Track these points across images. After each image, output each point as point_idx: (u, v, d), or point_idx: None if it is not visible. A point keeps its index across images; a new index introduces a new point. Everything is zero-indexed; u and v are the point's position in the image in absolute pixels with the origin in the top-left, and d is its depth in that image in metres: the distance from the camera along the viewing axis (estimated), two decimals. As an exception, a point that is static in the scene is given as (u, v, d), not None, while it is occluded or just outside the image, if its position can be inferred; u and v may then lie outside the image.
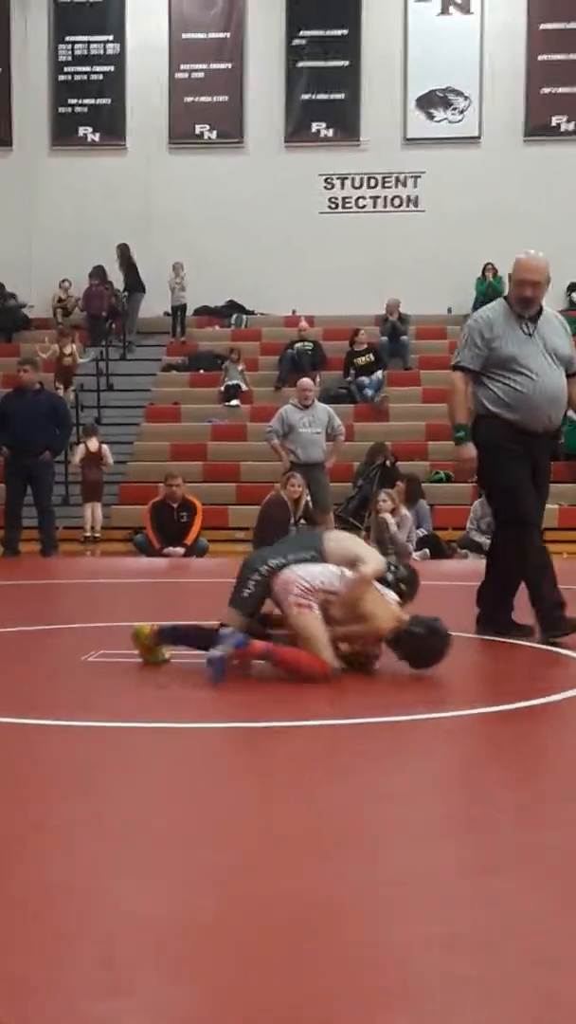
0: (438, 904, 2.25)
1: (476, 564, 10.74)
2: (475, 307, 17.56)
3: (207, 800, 3.00)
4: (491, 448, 5.47)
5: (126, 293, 17.71)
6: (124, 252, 17.57)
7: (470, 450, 5.51)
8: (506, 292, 5.76)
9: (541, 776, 3.30)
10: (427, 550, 11.15)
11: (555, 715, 4.03)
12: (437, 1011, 1.81)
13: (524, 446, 5.43)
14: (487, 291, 17.55)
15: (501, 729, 3.80)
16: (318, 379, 14.65)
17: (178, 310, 17.53)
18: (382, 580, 4.74)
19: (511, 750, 3.57)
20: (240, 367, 16.18)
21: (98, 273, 17.67)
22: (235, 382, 16.06)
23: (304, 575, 4.51)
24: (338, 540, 4.86)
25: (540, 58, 18.03)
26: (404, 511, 10.83)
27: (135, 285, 17.60)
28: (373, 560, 4.66)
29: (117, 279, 17.81)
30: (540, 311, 5.52)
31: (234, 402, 15.88)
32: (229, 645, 4.33)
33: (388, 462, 12.67)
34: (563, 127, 18.06)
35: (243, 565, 4.75)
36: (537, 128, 18.04)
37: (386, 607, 4.54)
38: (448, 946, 2.03)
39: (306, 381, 12.12)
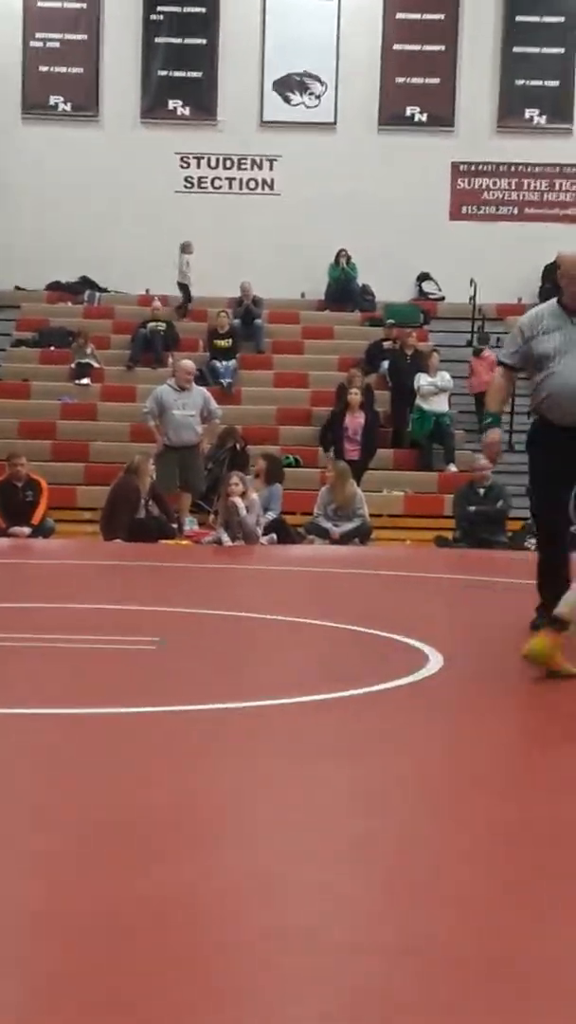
0: (273, 896, 2.30)
1: (322, 550, 10.95)
2: (327, 293, 17.79)
3: (43, 788, 3.00)
4: (531, 445, 5.70)
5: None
6: None
7: (493, 434, 5.74)
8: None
9: (373, 764, 3.40)
10: (274, 535, 11.26)
11: (386, 702, 4.14)
12: (264, 1006, 1.86)
13: (560, 442, 5.50)
14: (340, 277, 17.77)
15: (334, 716, 3.89)
16: (170, 360, 14.63)
17: (184, 288, 17.07)
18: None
19: (345, 738, 3.66)
20: (89, 349, 15.97)
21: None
22: (86, 360, 15.88)
23: None
24: None
25: (395, 48, 18.26)
26: (253, 495, 10.92)
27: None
28: None
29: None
30: None
31: (85, 380, 15.71)
32: None
33: (238, 446, 12.74)
34: (416, 117, 18.34)
35: None
36: (391, 117, 18.28)
37: None
38: (280, 939, 2.08)
39: (188, 363, 12.19)
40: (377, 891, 2.34)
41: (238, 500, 10.54)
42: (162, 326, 16.19)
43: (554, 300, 5.71)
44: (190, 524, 11.57)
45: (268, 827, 2.74)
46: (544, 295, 17.35)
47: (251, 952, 2.04)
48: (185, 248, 16.88)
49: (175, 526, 11.16)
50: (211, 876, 2.39)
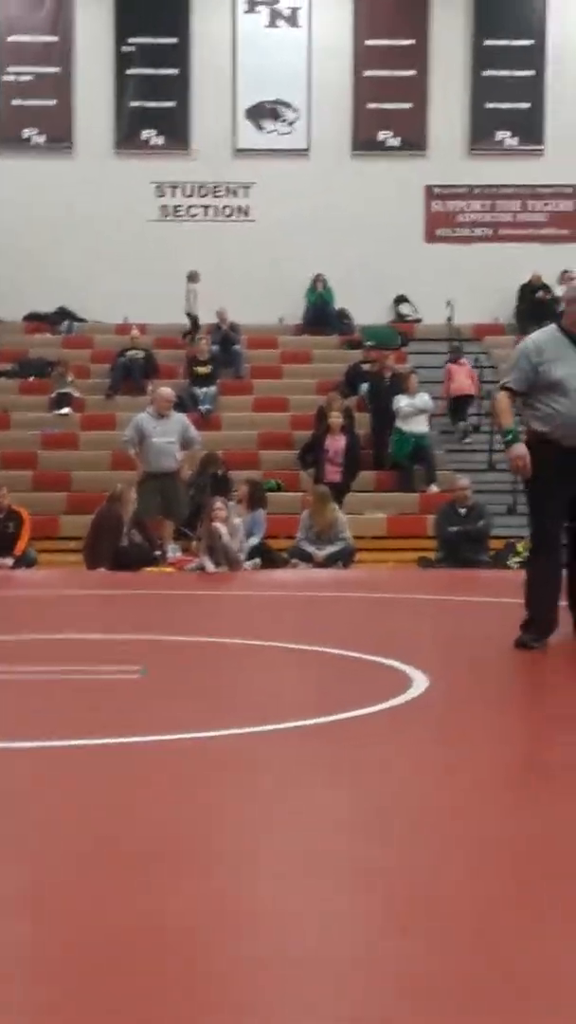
0: (268, 920, 2.29)
1: (306, 574, 10.94)
2: (305, 317, 17.85)
3: (25, 818, 2.99)
4: (534, 465, 5.71)
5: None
6: None
7: (519, 448, 5.67)
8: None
9: (361, 787, 3.40)
10: (258, 559, 11.26)
11: (373, 725, 4.13)
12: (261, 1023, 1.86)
13: (566, 465, 5.61)
14: (317, 301, 17.85)
15: (320, 742, 3.88)
16: (150, 388, 14.63)
17: (192, 318, 17.04)
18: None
19: (333, 762, 3.65)
20: (69, 378, 15.97)
21: None
22: (66, 390, 15.88)
23: None
24: None
25: (366, 74, 18.42)
26: (236, 520, 10.93)
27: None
28: None
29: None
30: None
31: (65, 410, 15.70)
32: None
33: (220, 472, 12.74)
34: (389, 142, 18.48)
35: None
36: (364, 142, 18.41)
37: None
38: (277, 961, 2.08)
39: (166, 391, 12.22)
40: (375, 911, 2.34)
41: (220, 525, 10.54)
42: (141, 354, 16.21)
43: (553, 326, 5.83)
44: (173, 551, 11.55)
45: (257, 852, 2.73)
46: (520, 315, 17.49)
47: (248, 975, 2.03)
48: (192, 277, 16.93)
49: (158, 553, 11.15)
50: (203, 902, 2.38)
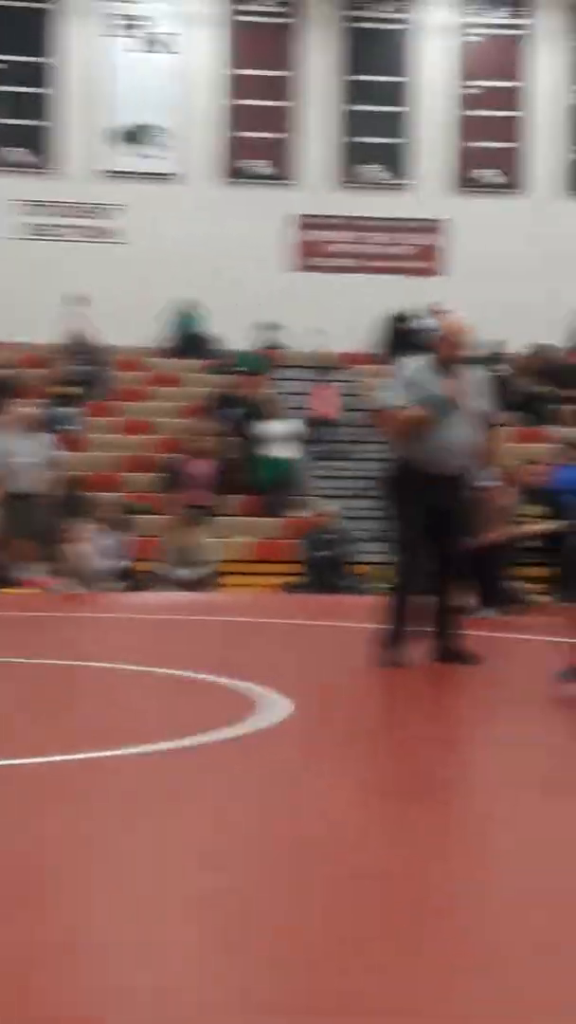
0: (116, 956, 2.20)
1: (169, 597, 10.83)
2: (173, 341, 17.77)
3: None
4: (395, 490, 5.95)
5: None
6: None
7: (449, 387, 5.77)
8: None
9: (209, 816, 3.31)
10: (121, 582, 11.11)
11: (226, 751, 4.05)
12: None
13: (425, 489, 5.76)
14: (186, 325, 17.80)
15: (169, 767, 3.78)
16: (11, 407, 14.35)
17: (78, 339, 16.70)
18: None
19: (180, 790, 3.56)
20: None
21: None
22: None
23: None
24: None
25: (239, 102, 18.51)
26: (100, 542, 10.78)
27: None
28: None
29: None
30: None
31: None
32: None
33: (79, 493, 12.56)
34: (260, 171, 18.58)
35: None
36: (236, 170, 18.48)
37: None
38: (128, 999, 2.00)
39: (28, 410, 12.05)
40: (222, 948, 2.26)
41: (81, 547, 10.39)
42: (4, 373, 15.89)
43: (425, 357, 6.05)
44: (32, 573, 11.30)
45: (102, 885, 2.60)
46: (385, 345, 17.72)
47: (97, 1014, 1.92)
48: (78, 300, 16.71)
49: (18, 574, 10.90)
50: (36, 933, 2.27)
